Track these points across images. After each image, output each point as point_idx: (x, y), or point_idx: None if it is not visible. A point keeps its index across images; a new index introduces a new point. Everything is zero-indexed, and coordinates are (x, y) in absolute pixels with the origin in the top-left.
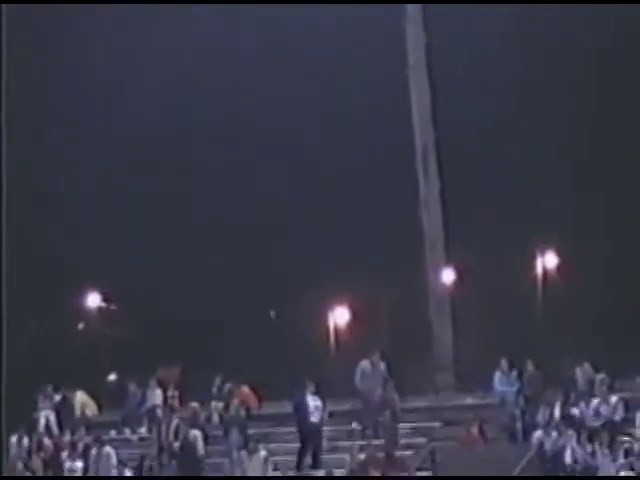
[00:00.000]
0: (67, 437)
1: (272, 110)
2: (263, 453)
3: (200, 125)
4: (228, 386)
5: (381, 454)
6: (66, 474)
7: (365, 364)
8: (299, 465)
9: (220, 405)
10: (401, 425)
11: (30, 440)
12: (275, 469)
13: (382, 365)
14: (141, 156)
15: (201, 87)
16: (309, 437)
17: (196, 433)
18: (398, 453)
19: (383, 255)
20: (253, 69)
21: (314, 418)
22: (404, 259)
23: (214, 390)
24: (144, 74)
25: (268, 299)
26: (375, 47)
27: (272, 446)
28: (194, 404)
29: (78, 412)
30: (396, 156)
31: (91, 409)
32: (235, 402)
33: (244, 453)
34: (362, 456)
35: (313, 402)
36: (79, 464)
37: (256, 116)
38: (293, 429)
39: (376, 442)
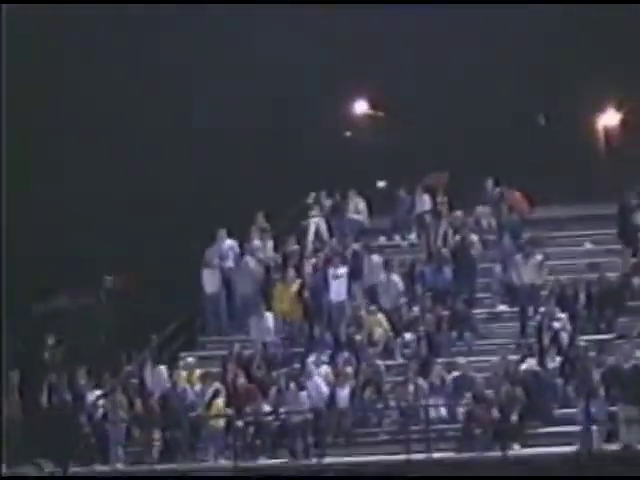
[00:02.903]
0: (336, 244)
1: None
2: (539, 257)
3: None
4: (497, 190)
5: None
6: (330, 279)
7: None
8: None
9: (488, 210)
10: None
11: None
12: (550, 274)
13: None
14: None
15: None
16: (630, 240)
17: (472, 237)
18: None
19: None
20: None
21: (636, 221)
22: None
23: (484, 194)
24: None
25: (537, 105)
26: None
27: (548, 250)
28: (458, 212)
29: (349, 218)
30: None
31: (362, 214)
32: (504, 207)
33: (519, 257)
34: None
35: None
36: (343, 270)
37: None
38: (570, 233)
39: None
